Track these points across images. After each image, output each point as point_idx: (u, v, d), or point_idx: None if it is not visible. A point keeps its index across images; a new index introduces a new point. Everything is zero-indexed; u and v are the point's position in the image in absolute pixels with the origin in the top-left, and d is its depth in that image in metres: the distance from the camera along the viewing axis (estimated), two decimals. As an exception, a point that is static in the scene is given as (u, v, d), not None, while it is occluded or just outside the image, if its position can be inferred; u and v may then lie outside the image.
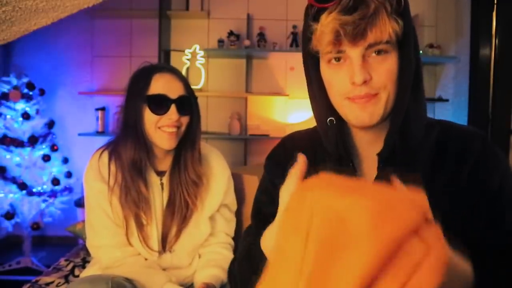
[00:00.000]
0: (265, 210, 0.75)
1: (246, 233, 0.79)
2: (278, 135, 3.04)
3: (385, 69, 0.60)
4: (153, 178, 1.13)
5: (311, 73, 0.70)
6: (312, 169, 0.59)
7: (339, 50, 0.61)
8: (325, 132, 0.70)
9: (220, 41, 3.13)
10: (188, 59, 3.13)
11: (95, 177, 1.11)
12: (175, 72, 1.12)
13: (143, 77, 1.08)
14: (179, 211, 1.12)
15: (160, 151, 1.14)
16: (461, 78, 2.96)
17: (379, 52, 0.60)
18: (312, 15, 0.62)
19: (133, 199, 1.07)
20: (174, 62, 3.20)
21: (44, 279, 1.45)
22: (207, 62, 3.24)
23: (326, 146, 0.71)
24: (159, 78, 1.07)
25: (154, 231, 1.11)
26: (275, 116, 3.33)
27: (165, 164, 1.16)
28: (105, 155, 1.13)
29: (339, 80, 0.63)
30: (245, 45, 3.09)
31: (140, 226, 1.09)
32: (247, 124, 3.19)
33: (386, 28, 0.58)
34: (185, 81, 1.12)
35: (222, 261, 1.15)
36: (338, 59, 0.62)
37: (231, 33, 3.10)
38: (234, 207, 1.28)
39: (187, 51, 3.12)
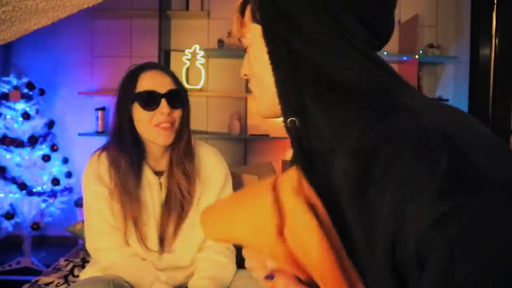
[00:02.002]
0: None
1: None
2: (278, 135, 3.04)
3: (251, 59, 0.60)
4: (152, 179, 1.13)
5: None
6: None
7: None
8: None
9: (220, 41, 3.13)
10: (188, 59, 3.13)
11: (95, 180, 1.10)
12: (162, 68, 1.12)
13: (130, 78, 1.09)
14: (175, 208, 1.11)
15: (157, 150, 1.13)
16: (461, 78, 2.96)
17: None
18: None
19: (130, 201, 1.08)
20: (174, 62, 3.20)
21: (44, 279, 1.45)
22: (207, 62, 3.24)
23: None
24: (145, 76, 1.08)
25: (152, 232, 1.11)
26: (275, 116, 3.32)
27: (162, 163, 1.15)
28: (104, 157, 1.12)
29: None
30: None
31: (138, 227, 1.09)
32: (247, 124, 3.19)
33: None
34: (172, 75, 1.12)
35: (215, 269, 1.12)
36: None
37: (231, 33, 3.10)
38: None
39: (187, 51, 3.12)
